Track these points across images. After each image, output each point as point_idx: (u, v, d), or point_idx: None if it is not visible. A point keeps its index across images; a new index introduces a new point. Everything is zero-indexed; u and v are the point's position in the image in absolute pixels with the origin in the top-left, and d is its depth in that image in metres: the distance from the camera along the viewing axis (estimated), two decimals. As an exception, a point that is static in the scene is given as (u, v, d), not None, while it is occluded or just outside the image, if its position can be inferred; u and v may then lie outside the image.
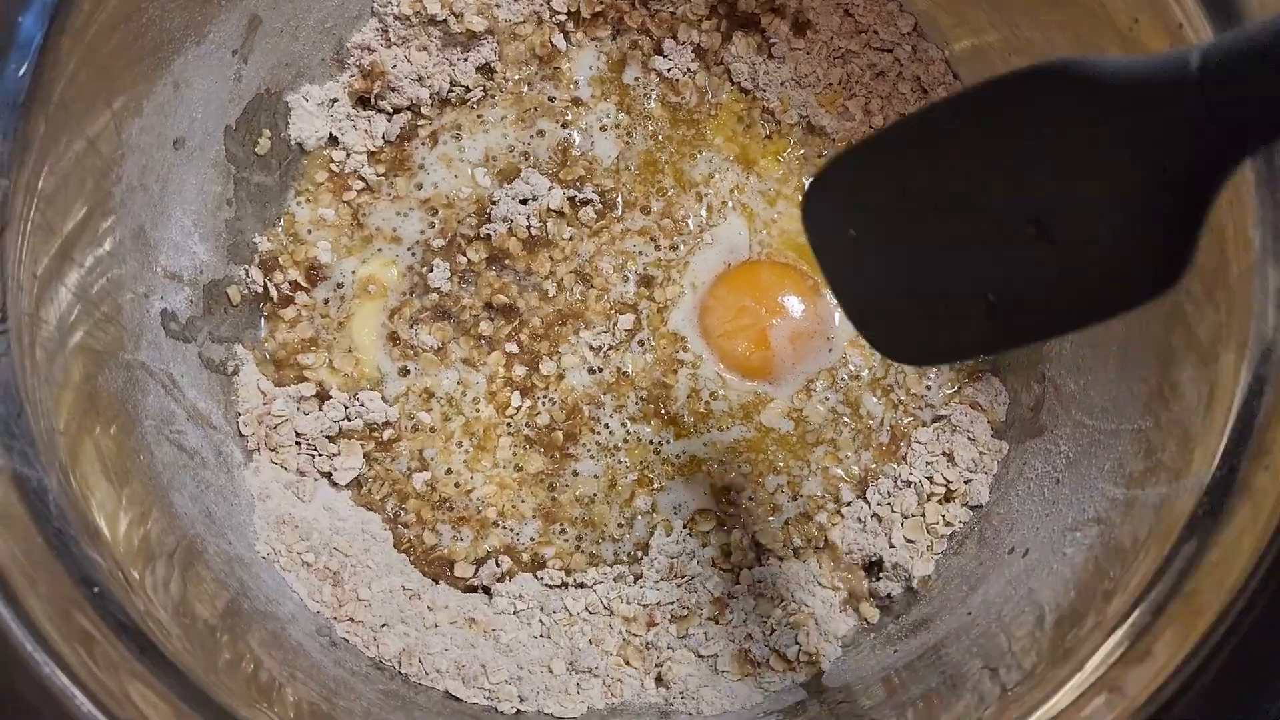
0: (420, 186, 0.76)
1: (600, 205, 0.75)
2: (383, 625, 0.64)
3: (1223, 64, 0.34)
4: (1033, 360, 0.68)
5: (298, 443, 0.69)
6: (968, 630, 0.60)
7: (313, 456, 0.70)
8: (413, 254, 0.75)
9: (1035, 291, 0.43)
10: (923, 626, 0.64)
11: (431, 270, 0.74)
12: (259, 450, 0.69)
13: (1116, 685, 0.48)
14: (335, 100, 0.76)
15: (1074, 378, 0.64)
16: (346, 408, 0.71)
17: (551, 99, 0.78)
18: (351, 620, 0.64)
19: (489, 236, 0.74)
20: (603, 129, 0.77)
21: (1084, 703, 0.49)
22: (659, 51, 0.78)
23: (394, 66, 0.76)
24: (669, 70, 0.77)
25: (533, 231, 0.74)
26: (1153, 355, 0.57)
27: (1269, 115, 0.34)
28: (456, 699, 0.63)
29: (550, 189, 0.75)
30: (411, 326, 0.73)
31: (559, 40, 0.78)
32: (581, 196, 0.75)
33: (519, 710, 0.63)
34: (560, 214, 0.75)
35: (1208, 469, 0.50)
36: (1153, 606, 0.50)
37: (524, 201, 0.75)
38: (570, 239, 0.75)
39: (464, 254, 0.74)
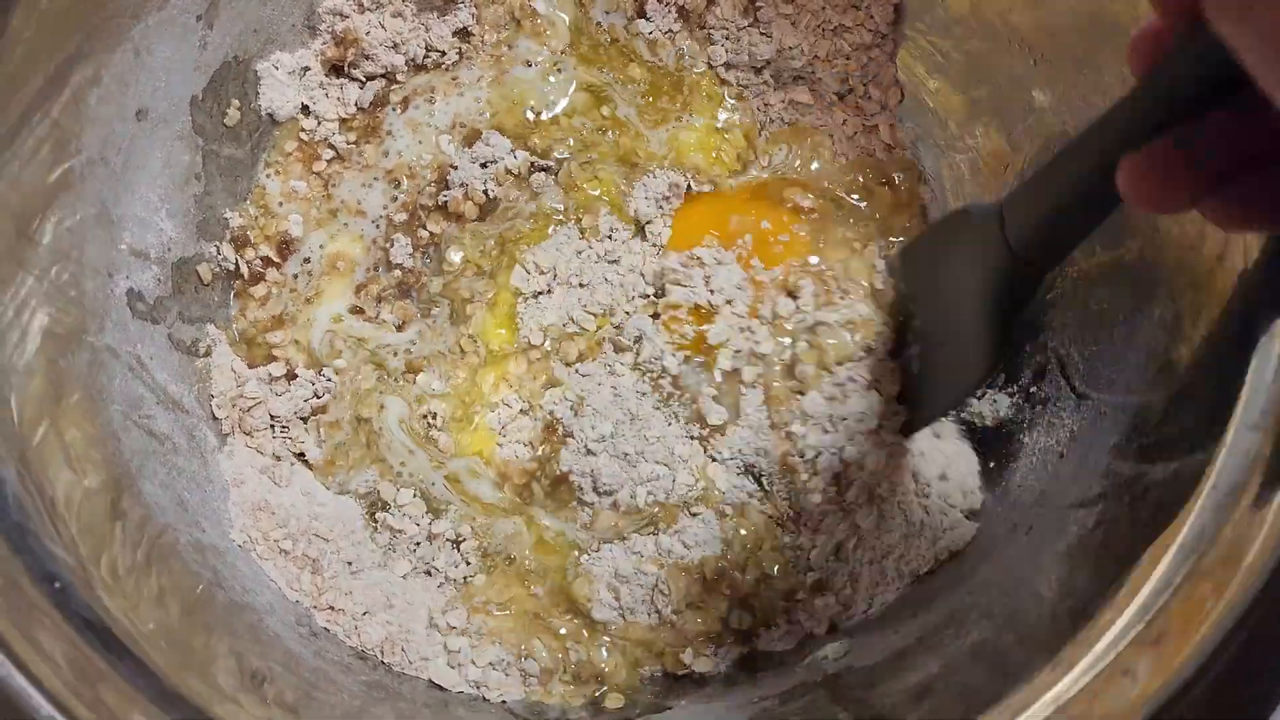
0: (386, 154, 0.73)
1: (556, 171, 0.72)
2: (364, 613, 0.62)
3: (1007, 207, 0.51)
4: (1034, 329, 0.65)
5: (272, 426, 0.67)
6: (968, 612, 0.58)
7: (287, 439, 0.67)
8: (377, 228, 0.72)
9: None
10: (922, 608, 0.62)
11: (393, 245, 0.71)
12: (233, 434, 0.67)
13: (1128, 669, 0.46)
14: (307, 69, 0.73)
15: (1077, 348, 0.61)
16: (314, 384, 0.68)
17: (529, 63, 0.75)
18: (332, 609, 0.61)
19: (445, 204, 0.71)
20: (579, 91, 0.74)
21: (1094, 688, 0.47)
22: (642, 14, 0.75)
23: (367, 33, 0.73)
24: (650, 32, 0.74)
25: (490, 194, 0.71)
26: (1160, 325, 0.54)
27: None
28: (441, 688, 0.61)
29: (511, 151, 0.72)
30: (377, 303, 0.71)
31: (539, 2, 0.75)
32: (541, 163, 0.72)
33: (504, 700, 0.61)
34: (516, 176, 0.72)
35: (1223, 443, 0.47)
36: (1166, 586, 0.48)
37: (484, 165, 0.72)
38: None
39: (425, 227, 0.72)
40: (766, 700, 0.60)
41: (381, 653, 0.61)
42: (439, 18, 0.74)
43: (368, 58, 0.73)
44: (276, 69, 0.71)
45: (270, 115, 0.72)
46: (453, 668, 0.62)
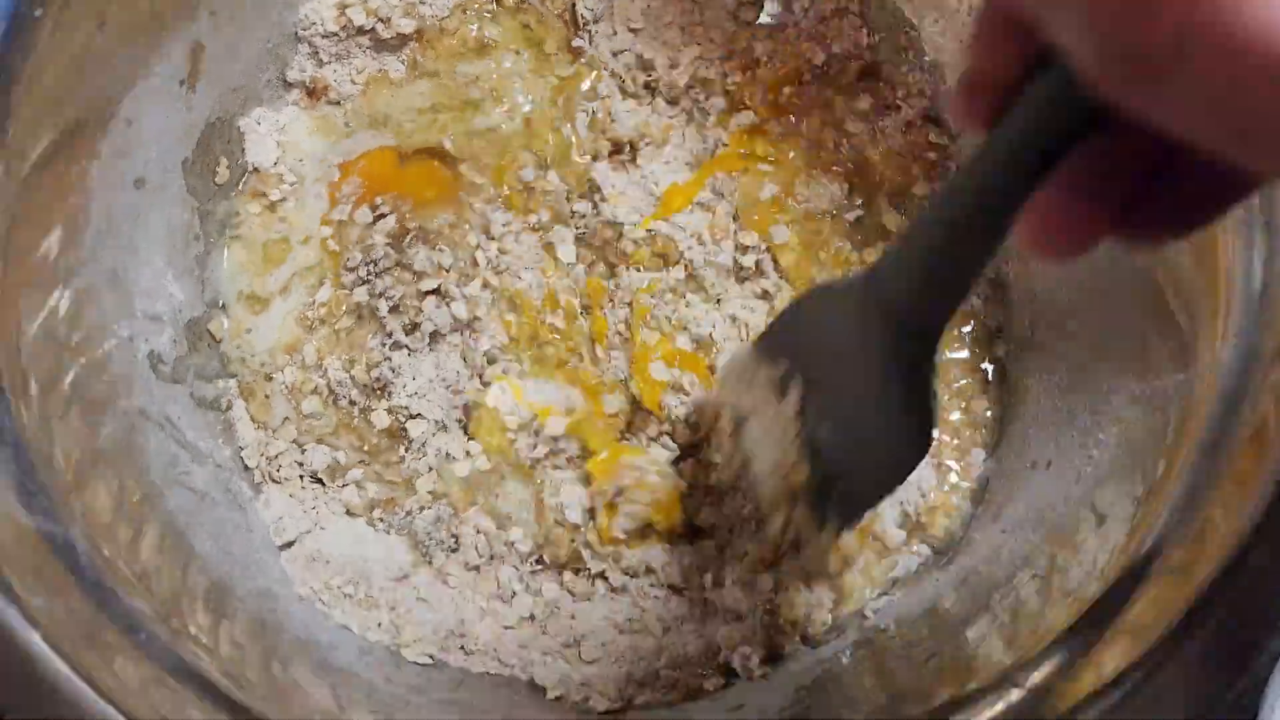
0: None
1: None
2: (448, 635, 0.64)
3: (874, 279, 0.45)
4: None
5: (301, 476, 0.68)
6: (999, 552, 0.61)
7: (319, 486, 0.68)
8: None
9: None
10: (964, 553, 0.64)
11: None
12: (265, 483, 0.68)
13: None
14: (286, 125, 0.74)
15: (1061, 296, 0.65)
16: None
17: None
18: (418, 641, 0.63)
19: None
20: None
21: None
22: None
23: (336, 82, 0.75)
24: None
25: None
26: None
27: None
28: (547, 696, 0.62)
29: None
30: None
31: (491, 31, 0.77)
32: None
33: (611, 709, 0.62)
34: None
35: (1221, 353, 0.51)
36: (1185, 501, 0.50)
37: None
38: None
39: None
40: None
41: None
42: (394, 54, 0.76)
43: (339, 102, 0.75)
44: (259, 124, 0.73)
45: (257, 169, 0.73)
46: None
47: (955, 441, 0.68)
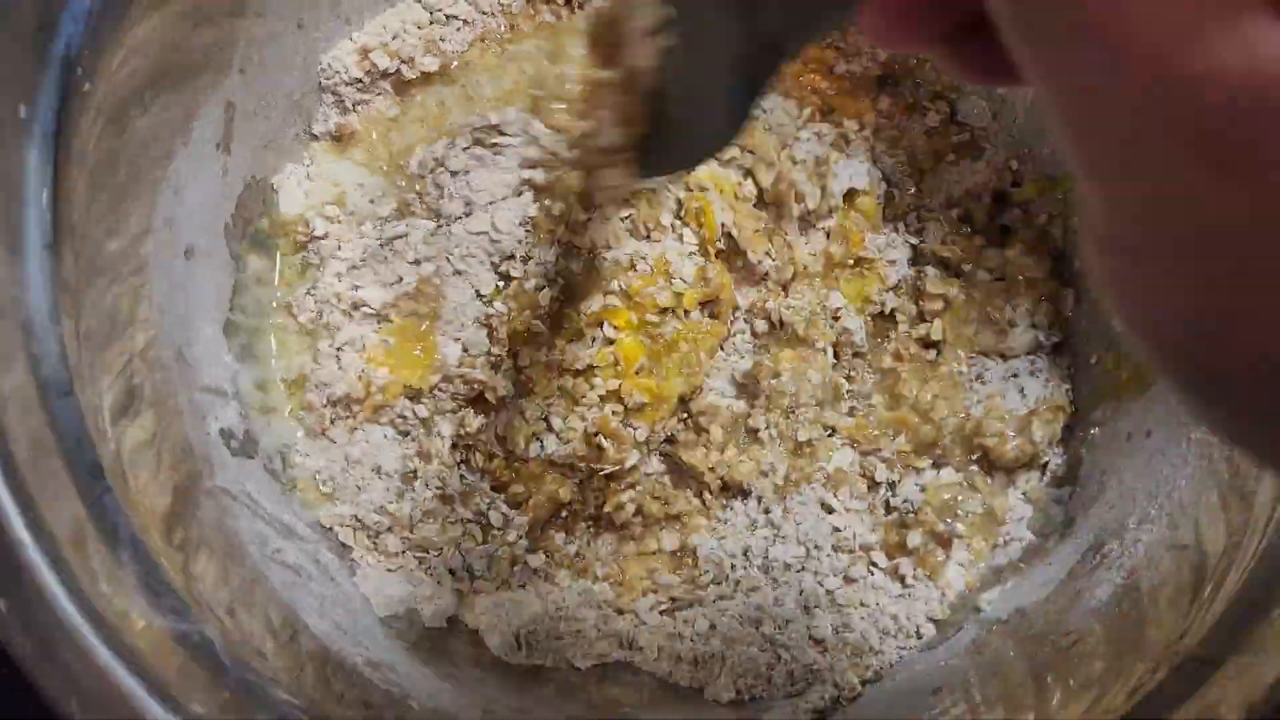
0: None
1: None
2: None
3: None
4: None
5: (405, 540, 0.65)
6: (1124, 522, 0.60)
7: (426, 551, 0.65)
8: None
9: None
10: (1066, 534, 0.64)
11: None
12: (362, 555, 0.65)
13: None
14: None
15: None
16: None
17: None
18: None
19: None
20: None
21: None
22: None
23: (363, 127, 0.73)
24: None
25: None
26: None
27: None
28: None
29: None
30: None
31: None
32: None
33: None
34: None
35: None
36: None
37: None
38: None
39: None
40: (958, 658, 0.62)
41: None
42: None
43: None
44: (290, 180, 0.70)
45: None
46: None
47: (1033, 424, 0.67)
